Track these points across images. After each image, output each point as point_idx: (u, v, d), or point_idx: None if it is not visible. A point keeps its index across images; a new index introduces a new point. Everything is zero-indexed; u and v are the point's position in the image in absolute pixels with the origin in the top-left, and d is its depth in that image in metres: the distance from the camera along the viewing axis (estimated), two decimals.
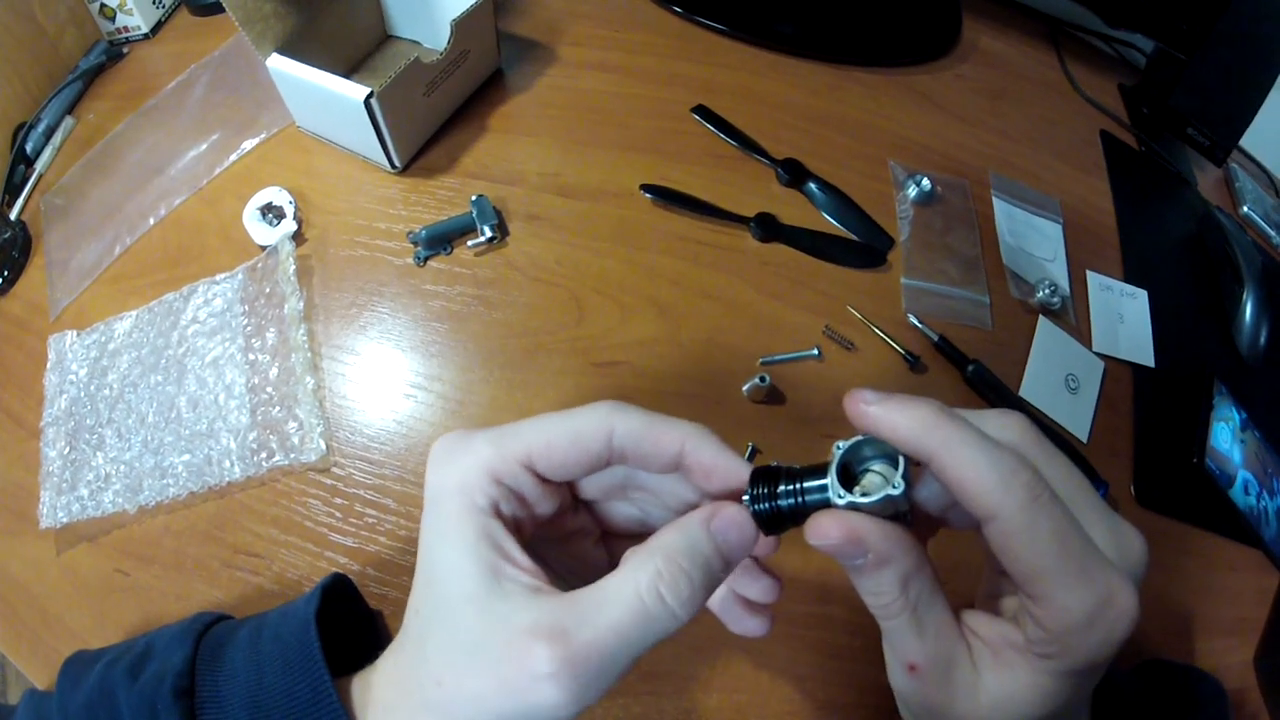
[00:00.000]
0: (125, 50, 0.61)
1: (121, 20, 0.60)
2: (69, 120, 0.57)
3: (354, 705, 0.23)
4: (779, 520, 0.22)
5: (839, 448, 0.22)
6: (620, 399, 0.24)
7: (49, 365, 0.46)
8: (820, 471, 0.22)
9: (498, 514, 0.22)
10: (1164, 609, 0.44)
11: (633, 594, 0.20)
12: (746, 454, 0.43)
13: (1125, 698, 0.32)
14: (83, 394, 0.45)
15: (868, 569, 0.21)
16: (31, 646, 0.38)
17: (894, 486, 0.20)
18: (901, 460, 0.21)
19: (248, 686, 0.24)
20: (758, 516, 0.22)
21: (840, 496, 0.21)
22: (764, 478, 0.23)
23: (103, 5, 0.59)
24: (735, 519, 0.22)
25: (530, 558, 0.22)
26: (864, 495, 0.21)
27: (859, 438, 0.22)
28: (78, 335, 0.47)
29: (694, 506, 0.23)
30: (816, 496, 0.22)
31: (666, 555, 0.21)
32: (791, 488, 0.22)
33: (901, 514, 0.22)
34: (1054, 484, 0.20)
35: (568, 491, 0.26)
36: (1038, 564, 0.19)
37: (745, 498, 0.23)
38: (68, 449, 0.43)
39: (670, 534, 0.21)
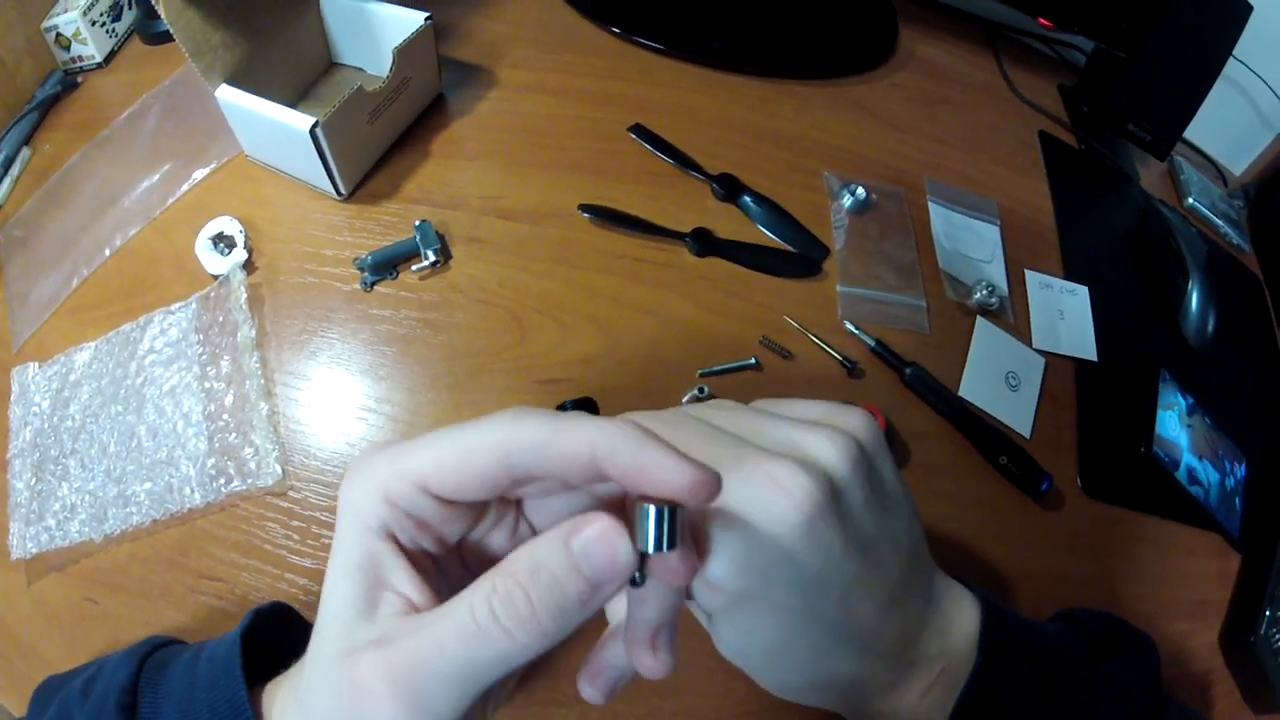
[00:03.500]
0: (80, 80, 0.62)
1: (76, 49, 0.61)
2: (25, 151, 0.58)
3: (263, 710, 0.25)
4: None
5: None
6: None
7: (12, 398, 0.47)
8: None
9: (390, 538, 0.22)
10: (1122, 595, 0.45)
11: (464, 608, 0.19)
12: None
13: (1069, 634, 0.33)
14: (46, 425, 0.46)
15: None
16: (8, 677, 0.39)
17: None
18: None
19: (181, 703, 0.25)
20: None
21: None
22: None
23: (58, 35, 0.60)
24: (604, 532, 0.19)
25: (424, 585, 0.21)
26: None
27: None
28: (39, 367, 0.48)
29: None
30: None
31: (505, 570, 0.19)
32: None
33: None
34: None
35: (497, 505, 0.24)
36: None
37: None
38: (34, 480, 0.45)
39: (522, 549, 0.20)
